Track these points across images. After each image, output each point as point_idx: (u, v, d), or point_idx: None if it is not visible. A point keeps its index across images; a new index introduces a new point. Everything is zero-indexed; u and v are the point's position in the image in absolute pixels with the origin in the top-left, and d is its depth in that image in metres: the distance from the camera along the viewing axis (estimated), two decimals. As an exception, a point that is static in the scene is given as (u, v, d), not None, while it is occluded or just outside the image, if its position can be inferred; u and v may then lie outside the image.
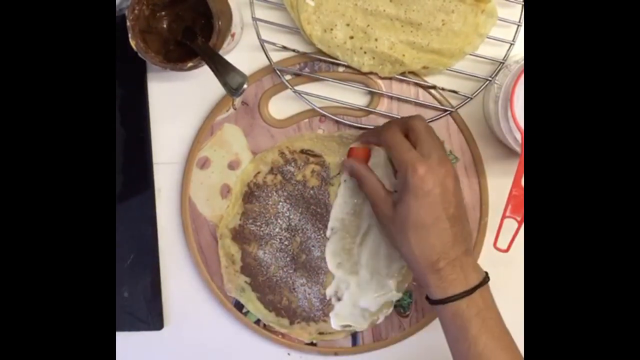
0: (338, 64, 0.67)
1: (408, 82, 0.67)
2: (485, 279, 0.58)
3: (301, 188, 0.68)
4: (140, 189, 0.69)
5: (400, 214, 0.57)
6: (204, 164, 0.69)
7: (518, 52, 0.65)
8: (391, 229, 0.59)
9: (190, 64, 0.59)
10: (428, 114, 0.67)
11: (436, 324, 0.69)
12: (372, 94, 0.67)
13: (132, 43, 0.60)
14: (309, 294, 0.68)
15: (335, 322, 0.68)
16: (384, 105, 0.67)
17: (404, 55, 0.64)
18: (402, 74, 0.66)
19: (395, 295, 0.67)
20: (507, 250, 0.58)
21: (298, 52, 0.67)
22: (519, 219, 0.57)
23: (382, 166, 0.66)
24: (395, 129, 0.59)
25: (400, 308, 0.69)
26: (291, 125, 0.68)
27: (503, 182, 0.61)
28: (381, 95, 0.67)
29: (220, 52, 0.60)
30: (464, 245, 0.57)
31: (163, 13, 0.64)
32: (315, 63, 0.67)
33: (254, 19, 0.65)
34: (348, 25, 0.64)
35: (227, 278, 0.69)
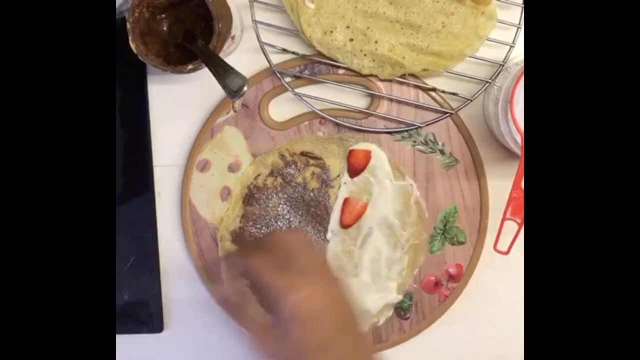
0: (338, 66, 0.67)
1: (408, 85, 0.67)
2: None
3: (301, 190, 0.67)
4: (140, 191, 0.69)
5: (290, 347, 0.50)
6: (204, 166, 0.69)
7: (518, 54, 0.65)
8: None
9: (190, 67, 0.59)
10: (428, 116, 0.67)
11: (436, 326, 0.69)
12: (372, 96, 0.67)
13: (132, 46, 0.60)
14: (309, 297, 0.68)
15: None
16: (384, 108, 0.67)
17: (404, 57, 0.64)
18: (402, 76, 0.66)
19: (396, 298, 0.67)
20: (507, 253, 0.58)
21: (298, 54, 0.67)
22: (519, 221, 0.57)
23: (380, 169, 0.67)
24: (259, 253, 0.53)
25: (400, 310, 0.69)
26: (291, 128, 0.68)
27: (503, 184, 0.61)
28: (381, 97, 0.67)
29: (220, 55, 0.60)
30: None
31: (163, 15, 0.64)
32: (315, 65, 0.67)
33: (254, 22, 0.65)
34: (348, 27, 0.64)
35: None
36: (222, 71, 0.57)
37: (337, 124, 0.67)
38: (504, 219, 0.58)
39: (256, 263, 0.52)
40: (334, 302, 0.52)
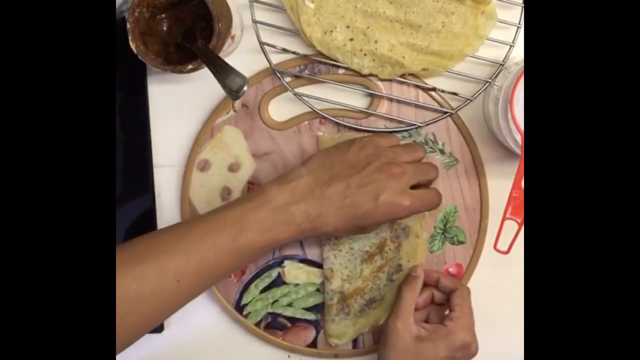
0: (338, 66, 0.67)
1: (408, 84, 0.67)
2: None
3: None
4: (140, 191, 0.69)
5: (422, 350, 0.59)
6: (204, 166, 0.69)
7: (518, 53, 0.65)
8: (399, 356, 0.60)
9: (190, 67, 0.59)
10: (428, 116, 0.67)
11: (437, 326, 0.69)
12: (372, 96, 0.67)
13: (132, 46, 0.60)
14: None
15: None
16: (384, 107, 0.67)
17: (404, 57, 0.64)
18: (402, 76, 0.66)
19: None
20: (507, 252, 0.58)
21: (298, 54, 0.67)
22: (519, 220, 0.57)
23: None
24: (469, 294, 0.63)
25: (400, 310, 0.69)
26: (291, 128, 0.68)
27: (503, 184, 0.61)
28: (381, 97, 0.67)
29: (220, 55, 0.60)
30: None
31: (163, 15, 0.64)
32: (315, 65, 0.67)
33: (254, 22, 0.65)
34: (348, 27, 0.64)
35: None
36: (222, 71, 0.57)
37: (337, 124, 0.68)
38: (504, 219, 0.58)
39: (466, 293, 0.64)
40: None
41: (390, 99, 0.67)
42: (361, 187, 0.57)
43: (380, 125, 0.67)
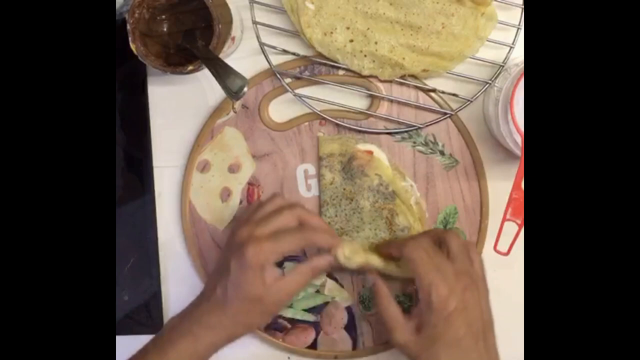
0: (338, 67, 0.67)
1: (408, 85, 0.67)
2: None
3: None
4: (141, 192, 0.69)
5: (426, 336, 0.56)
6: (204, 167, 0.69)
7: (518, 55, 0.65)
8: (416, 351, 0.57)
9: (190, 68, 0.59)
10: (428, 117, 0.67)
11: (437, 327, 0.69)
12: (372, 97, 0.67)
13: (133, 47, 0.60)
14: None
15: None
16: (384, 109, 0.67)
17: (404, 58, 0.64)
18: (402, 77, 0.66)
19: None
20: (507, 254, 0.58)
21: (298, 55, 0.67)
22: (519, 222, 0.57)
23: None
24: (420, 246, 0.58)
25: (400, 311, 0.69)
26: (291, 129, 0.68)
27: (503, 185, 0.61)
28: (381, 98, 0.67)
29: (221, 56, 0.60)
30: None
31: (163, 17, 0.64)
32: (316, 66, 0.67)
33: (254, 23, 0.65)
34: (348, 28, 0.64)
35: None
36: (222, 72, 0.57)
37: (337, 125, 0.68)
38: (504, 220, 0.58)
39: (416, 252, 0.57)
40: (474, 305, 0.57)
41: (391, 100, 0.67)
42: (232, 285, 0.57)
43: (380, 126, 0.67)
